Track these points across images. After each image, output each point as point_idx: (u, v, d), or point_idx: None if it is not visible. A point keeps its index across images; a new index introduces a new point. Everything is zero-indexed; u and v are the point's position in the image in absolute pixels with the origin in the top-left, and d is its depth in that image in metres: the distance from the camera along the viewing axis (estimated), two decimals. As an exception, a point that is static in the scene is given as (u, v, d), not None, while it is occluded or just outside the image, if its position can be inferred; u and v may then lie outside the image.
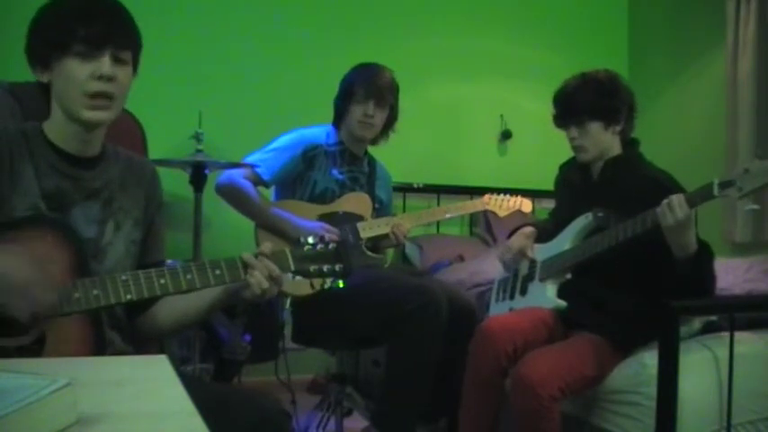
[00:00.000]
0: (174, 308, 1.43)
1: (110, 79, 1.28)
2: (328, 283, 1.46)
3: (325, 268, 1.43)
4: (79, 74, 1.27)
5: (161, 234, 1.52)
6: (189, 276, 1.29)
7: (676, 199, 1.73)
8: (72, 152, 1.35)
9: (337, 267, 1.43)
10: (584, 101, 2.08)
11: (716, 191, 1.67)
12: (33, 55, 1.32)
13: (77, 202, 1.34)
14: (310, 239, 1.44)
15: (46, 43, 1.30)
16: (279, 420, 1.29)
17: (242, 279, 1.34)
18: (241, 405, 1.27)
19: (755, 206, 1.70)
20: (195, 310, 1.42)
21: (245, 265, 1.34)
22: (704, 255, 1.83)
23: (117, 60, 1.30)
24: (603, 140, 2.09)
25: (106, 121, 1.34)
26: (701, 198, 1.71)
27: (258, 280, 1.33)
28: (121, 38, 1.31)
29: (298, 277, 1.43)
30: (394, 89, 2.56)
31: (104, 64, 1.28)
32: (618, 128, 2.09)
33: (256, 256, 1.35)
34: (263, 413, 1.27)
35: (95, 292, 1.22)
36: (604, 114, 2.07)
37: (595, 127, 2.08)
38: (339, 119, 2.58)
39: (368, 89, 2.49)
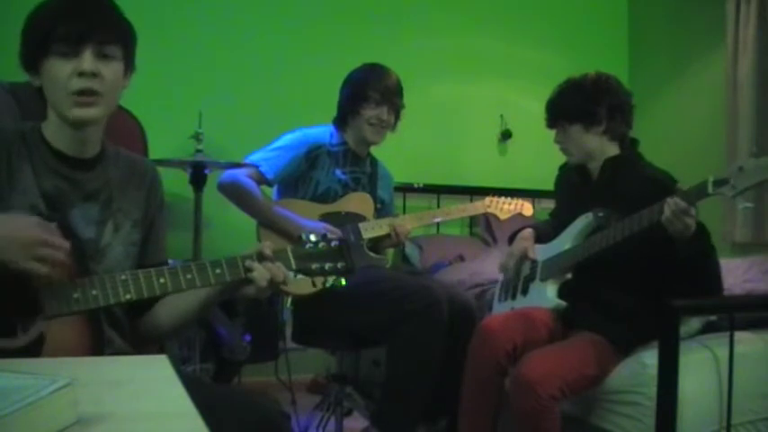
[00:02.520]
0: (174, 308, 1.42)
1: (93, 75, 1.26)
2: (330, 281, 1.44)
3: (327, 266, 1.40)
4: (62, 73, 1.26)
5: (162, 235, 1.50)
6: (189, 276, 1.28)
7: (679, 204, 1.72)
8: (69, 153, 1.34)
9: (339, 265, 1.41)
10: (563, 105, 2.13)
11: (710, 189, 1.67)
12: (24, 60, 1.32)
13: (76, 204, 1.34)
14: (312, 237, 1.42)
15: (31, 46, 1.30)
16: (278, 421, 1.28)
17: (243, 278, 1.33)
18: (241, 405, 1.26)
19: (750, 204, 1.70)
20: (193, 309, 1.41)
21: (247, 269, 1.33)
22: (702, 233, 1.82)
23: (101, 56, 1.28)
24: (587, 142, 2.10)
25: (95, 119, 1.31)
26: (695, 196, 1.71)
27: (262, 275, 1.32)
28: (104, 33, 1.28)
29: (299, 276, 1.41)
30: (400, 91, 2.55)
31: (85, 60, 1.26)
32: (599, 129, 2.09)
33: (257, 255, 1.35)
34: (263, 413, 1.27)
35: (94, 291, 1.22)
36: (581, 116, 2.09)
37: (575, 129, 2.10)
38: (344, 120, 2.55)
39: (383, 93, 2.47)
